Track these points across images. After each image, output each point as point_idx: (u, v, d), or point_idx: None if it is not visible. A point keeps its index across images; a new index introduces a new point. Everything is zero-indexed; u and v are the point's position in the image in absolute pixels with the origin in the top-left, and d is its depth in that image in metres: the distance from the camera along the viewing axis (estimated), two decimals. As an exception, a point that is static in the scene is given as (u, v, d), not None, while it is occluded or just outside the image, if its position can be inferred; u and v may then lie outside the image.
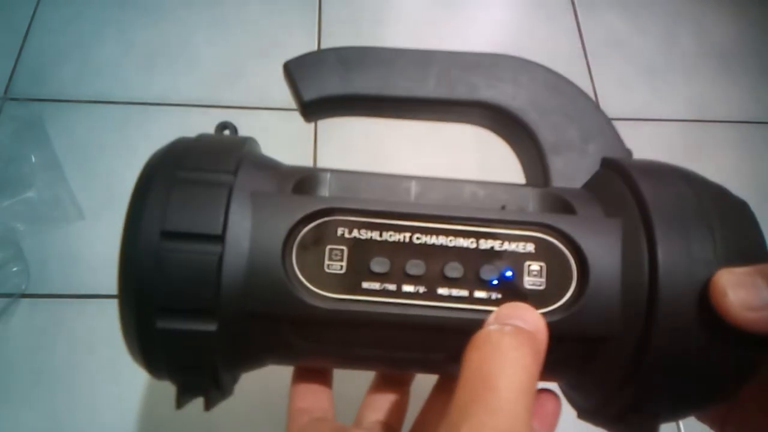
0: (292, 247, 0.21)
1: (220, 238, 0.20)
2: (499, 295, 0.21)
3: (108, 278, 0.48)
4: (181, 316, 0.20)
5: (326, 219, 0.21)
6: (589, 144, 0.25)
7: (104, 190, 0.52)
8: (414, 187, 0.23)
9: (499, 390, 0.15)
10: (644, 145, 0.61)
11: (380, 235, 0.21)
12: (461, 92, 0.25)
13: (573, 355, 0.22)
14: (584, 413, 0.24)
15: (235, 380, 0.25)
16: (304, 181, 0.23)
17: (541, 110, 0.25)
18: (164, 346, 0.21)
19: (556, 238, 0.21)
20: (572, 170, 0.25)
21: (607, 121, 0.26)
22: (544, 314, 0.21)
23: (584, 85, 0.64)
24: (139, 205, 0.21)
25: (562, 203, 0.23)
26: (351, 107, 0.26)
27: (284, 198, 0.21)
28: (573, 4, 0.69)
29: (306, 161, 0.55)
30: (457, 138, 0.57)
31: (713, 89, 0.65)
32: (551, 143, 0.25)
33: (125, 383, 0.44)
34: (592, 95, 0.63)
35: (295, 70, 0.25)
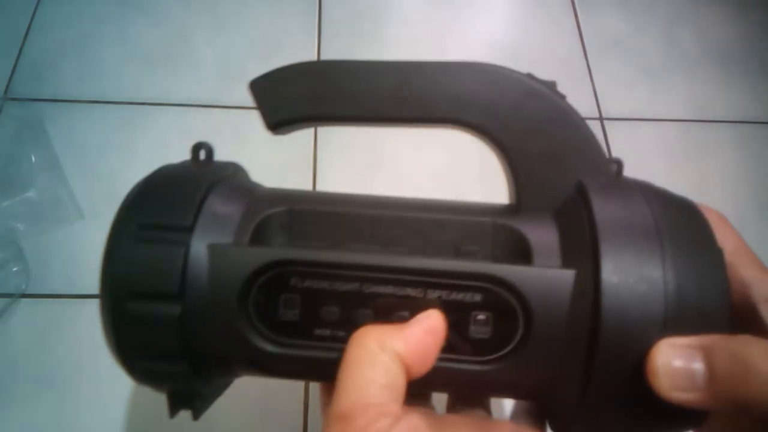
0: (248, 297, 0.22)
1: (178, 296, 0.21)
2: (445, 343, 0.21)
3: (108, 278, 0.48)
4: (154, 360, 0.22)
5: (280, 270, 0.22)
6: (565, 161, 0.24)
7: (104, 190, 0.52)
8: (376, 224, 0.24)
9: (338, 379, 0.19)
10: (644, 145, 0.61)
11: (330, 285, 0.22)
12: (432, 110, 0.25)
13: (517, 394, 0.24)
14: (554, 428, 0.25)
15: (218, 387, 0.27)
16: (264, 224, 0.24)
17: (515, 126, 0.24)
18: (148, 380, 0.24)
19: (505, 290, 0.21)
20: (545, 190, 0.24)
21: (589, 134, 0.24)
22: (488, 361, 0.22)
23: (584, 85, 0.64)
24: (110, 261, 0.23)
25: (520, 245, 0.23)
26: (318, 123, 0.26)
27: (238, 251, 0.22)
28: (573, 4, 0.69)
29: (306, 161, 0.55)
30: (458, 137, 0.57)
31: (713, 89, 0.65)
32: (524, 162, 0.24)
33: (125, 383, 0.44)
34: (591, 95, 0.63)
35: (259, 92, 0.25)
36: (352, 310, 0.22)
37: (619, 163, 0.24)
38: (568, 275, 0.21)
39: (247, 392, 0.26)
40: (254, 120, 0.59)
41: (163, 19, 0.62)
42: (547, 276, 0.21)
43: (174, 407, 0.24)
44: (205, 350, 0.22)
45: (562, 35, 0.67)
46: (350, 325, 0.21)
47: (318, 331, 0.22)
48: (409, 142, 0.56)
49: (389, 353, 0.19)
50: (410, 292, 0.21)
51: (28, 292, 0.47)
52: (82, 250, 0.49)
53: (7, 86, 0.57)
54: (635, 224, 0.20)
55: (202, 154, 0.26)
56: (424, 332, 0.20)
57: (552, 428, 0.24)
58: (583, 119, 0.25)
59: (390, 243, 0.23)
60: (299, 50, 0.62)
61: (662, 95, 0.63)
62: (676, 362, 0.18)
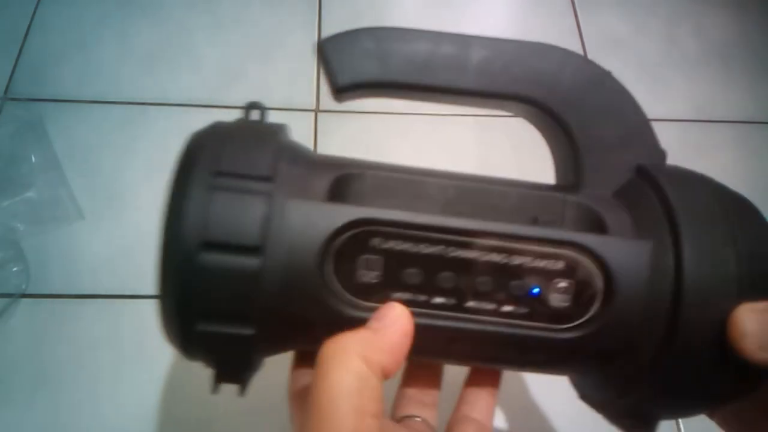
0: (328, 256, 0.21)
1: (259, 250, 0.20)
2: (526, 309, 0.22)
3: (108, 278, 0.48)
4: (220, 320, 0.21)
5: (361, 230, 0.21)
6: (625, 146, 0.25)
7: (104, 190, 0.52)
8: (448, 191, 0.23)
9: (320, 406, 0.17)
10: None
11: (414, 247, 0.21)
12: (500, 84, 0.24)
13: (589, 363, 0.23)
14: (587, 399, 0.25)
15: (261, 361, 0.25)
16: (339, 183, 0.23)
17: (581, 107, 0.25)
18: (204, 346, 0.22)
19: (587, 258, 0.21)
20: (606, 173, 0.25)
21: (646, 122, 0.25)
22: (566, 329, 0.22)
23: (584, 85, 0.64)
24: (178, 210, 0.20)
25: (594, 218, 0.23)
26: (385, 92, 0.25)
27: (320, 207, 0.21)
28: (573, 4, 0.69)
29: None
30: (458, 137, 0.57)
31: (713, 89, 0.65)
32: (587, 143, 0.25)
33: (126, 383, 0.44)
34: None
35: (330, 52, 0.24)
36: (435, 273, 0.21)
37: (663, 153, 0.26)
38: (647, 245, 0.21)
39: (250, 392, 0.25)
40: (254, 120, 0.59)
41: (163, 20, 0.62)
42: (627, 245, 0.22)
43: (219, 380, 0.23)
44: (278, 310, 0.21)
45: (562, 35, 0.67)
46: (432, 289, 0.21)
47: (398, 294, 0.21)
48: (409, 141, 0.56)
49: (375, 371, 0.18)
50: (494, 257, 0.21)
51: (28, 292, 0.47)
52: (82, 250, 0.49)
53: (7, 86, 0.57)
54: (703, 202, 0.22)
55: (256, 114, 0.25)
56: (402, 336, 0.20)
57: (595, 404, 0.25)
58: (639, 106, 0.25)
59: (464, 213, 0.23)
60: (300, 51, 0.62)
61: (662, 95, 0.63)
62: (757, 324, 0.20)
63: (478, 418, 0.26)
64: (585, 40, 0.66)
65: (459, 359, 0.25)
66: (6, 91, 0.56)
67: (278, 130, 0.24)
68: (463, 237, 0.21)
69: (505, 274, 0.21)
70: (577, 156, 0.25)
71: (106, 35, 0.61)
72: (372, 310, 0.21)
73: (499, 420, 0.45)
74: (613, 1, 0.70)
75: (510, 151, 0.56)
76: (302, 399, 0.24)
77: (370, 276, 0.21)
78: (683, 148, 0.60)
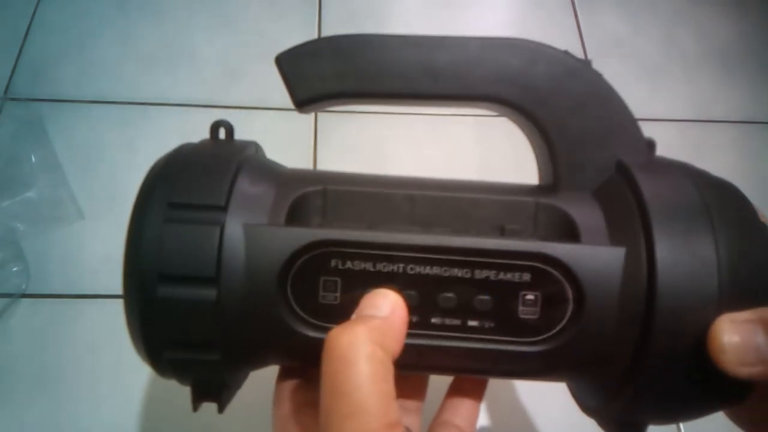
0: (287, 280, 0.21)
1: (214, 280, 0.20)
2: (492, 324, 0.21)
3: (108, 278, 0.48)
4: (185, 348, 0.21)
5: (320, 251, 0.21)
6: (605, 141, 0.24)
7: (104, 190, 0.52)
8: (414, 202, 0.23)
9: (349, 394, 0.17)
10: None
11: (373, 267, 0.21)
12: (468, 86, 0.23)
13: (564, 372, 0.23)
14: (586, 410, 0.25)
15: (242, 378, 0.26)
16: (298, 204, 0.22)
17: (554, 103, 0.23)
18: (174, 371, 0.22)
19: (555, 269, 0.20)
20: (584, 170, 0.24)
21: (628, 113, 0.24)
22: (536, 342, 0.21)
23: (584, 85, 0.64)
24: (136, 242, 0.21)
25: (565, 222, 0.22)
26: (347, 101, 0.25)
27: (275, 232, 0.21)
28: (573, 4, 0.69)
29: (306, 161, 0.55)
30: (458, 136, 0.57)
31: (713, 89, 0.65)
32: (563, 140, 0.24)
33: (126, 383, 0.44)
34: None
35: (286, 66, 0.24)
36: (397, 292, 0.20)
37: (651, 143, 0.24)
38: (619, 253, 0.20)
39: (248, 394, 0.25)
40: (254, 120, 0.59)
41: (164, 20, 0.62)
42: (597, 253, 0.20)
43: (198, 399, 0.23)
44: (241, 336, 0.21)
45: (562, 35, 0.67)
46: None
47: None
48: (408, 141, 0.56)
49: (390, 357, 0.18)
50: (457, 272, 0.21)
51: (28, 292, 0.47)
52: (82, 250, 0.49)
53: (7, 86, 0.57)
54: (683, 202, 0.21)
55: (222, 133, 0.25)
56: (403, 323, 0.20)
57: (587, 410, 0.24)
58: (620, 98, 0.24)
59: (430, 223, 0.22)
60: (299, 50, 0.62)
61: (662, 95, 0.63)
62: (738, 338, 0.18)
63: (460, 425, 0.26)
64: (585, 40, 0.66)
65: (432, 371, 0.25)
66: (6, 91, 0.56)
67: (242, 148, 0.23)
68: (424, 254, 0.21)
69: (470, 289, 0.21)
70: (553, 154, 0.24)
71: (106, 35, 0.61)
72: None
73: (492, 423, 0.45)
74: (613, 1, 0.70)
75: (510, 151, 0.55)
76: (287, 408, 0.24)
77: (330, 298, 0.21)
78: (683, 148, 0.60)
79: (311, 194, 0.23)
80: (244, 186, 0.22)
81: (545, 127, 0.23)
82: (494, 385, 0.28)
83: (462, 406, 0.27)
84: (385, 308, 0.19)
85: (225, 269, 0.20)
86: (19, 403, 0.43)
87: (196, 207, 0.21)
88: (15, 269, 0.47)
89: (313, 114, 0.56)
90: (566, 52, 0.24)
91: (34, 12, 0.61)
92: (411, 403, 0.27)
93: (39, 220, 0.49)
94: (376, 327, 0.19)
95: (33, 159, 0.52)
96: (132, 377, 0.44)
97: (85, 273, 0.48)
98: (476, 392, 0.27)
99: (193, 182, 0.21)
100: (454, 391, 0.27)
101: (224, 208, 0.21)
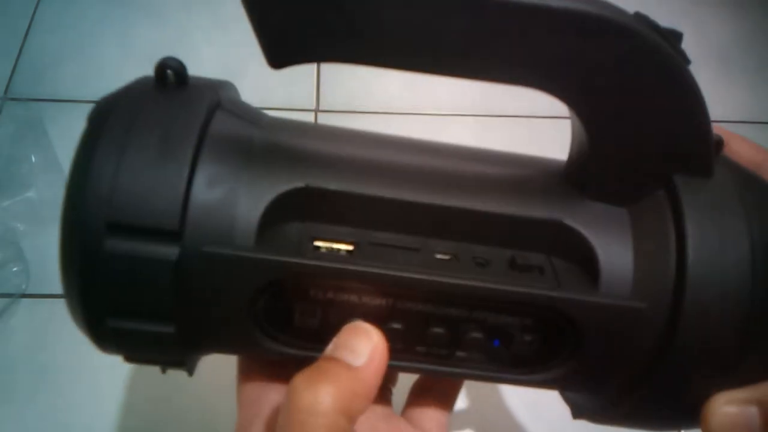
0: (257, 309, 0.18)
1: (177, 236, 0.17)
2: (482, 356, 0.19)
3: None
4: (132, 316, 0.18)
5: (296, 281, 0.18)
6: (661, 151, 0.20)
7: (104, 190, 0.52)
8: (408, 212, 0.19)
9: None
10: (644, 145, 0.61)
11: (358, 299, 0.18)
12: (505, 64, 0.18)
13: (556, 389, 0.22)
14: (582, 411, 0.24)
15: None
16: (273, 208, 0.18)
17: (606, 91, 0.19)
18: (117, 343, 0.19)
19: (562, 322, 0.19)
20: (625, 181, 0.20)
21: (705, 119, 0.21)
22: (527, 372, 0.20)
23: (584, 85, 0.64)
24: (80, 184, 0.17)
25: (585, 259, 0.19)
26: (329, 60, 0.20)
27: (241, 261, 0.17)
28: (573, 4, 0.69)
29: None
30: (458, 137, 0.57)
31: (713, 89, 0.65)
32: (606, 135, 0.19)
33: (126, 383, 0.44)
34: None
35: (257, 18, 0.19)
36: (382, 324, 0.18)
37: (719, 143, 0.21)
38: (637, 311, 0.18)
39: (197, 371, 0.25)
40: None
41: (164, 20, 0.62)
42: (612, 310, 0.18)
43: (164, 366, 0.21)
44: (203, 312, 0.18)
45: (562, 35, 0.67)
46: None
47: None
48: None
49: (353, 421, 0.16)
50: (453, 312, 0.18)
51: (28, 292, 0.47)
52: (82, 250, 0.49)
53: (7, 86, 0.57)
54: (728, 262, 0.18)
55: (170, 76, 0.20)
56: (379, 376, 0.17)
57: (585, 408, 0.24)
58: (705, 105, 0.20)
59: (429, 234, 0.19)
60: (299, 50, 0.62)
61: (662, 95, 0.63)
62: (729, 423, 0.18)
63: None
64: (585, 40, 0.66)
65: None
66: (6, 91, 0.56)
67: (200, 109, 0.19)
68: (416, 290, 0.18)
69: (464, 326, 0.19)
70: (593, 152, 0.19)
71: (106, 35, 0.61)
72: (314, 350, 0.18)
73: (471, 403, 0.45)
74: (613, 2, 0.70)
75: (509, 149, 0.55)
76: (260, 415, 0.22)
77: (309, 322, 0.19)
78: (683, 148, 0.60)
79: (290, 193, 0.19)
80: (201, 203, 0.17)
81: (589, 117, 0.19)
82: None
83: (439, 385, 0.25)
84: (363, 355, 0.17)
85: (190, 223, 0.17)
86: (19, 403, 0.43)
87: (143, 236, 0.17)
88: (15, 269, 0.47)
89: (313, 114, 0.56)
90: (638, 15, 0.18)
91: (34, 12, 0.61)
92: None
93: (39, 220, 0.49)
94: (347, 387, 0.16)
95: (33, 159, 0.52)
96: (132, 377, 0.44)
97: (85, 273, 0.48)
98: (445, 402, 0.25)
99: (137, 195, 0.17)
100: (418, 400, 0.26)
101: (177, 234, 0.17)
